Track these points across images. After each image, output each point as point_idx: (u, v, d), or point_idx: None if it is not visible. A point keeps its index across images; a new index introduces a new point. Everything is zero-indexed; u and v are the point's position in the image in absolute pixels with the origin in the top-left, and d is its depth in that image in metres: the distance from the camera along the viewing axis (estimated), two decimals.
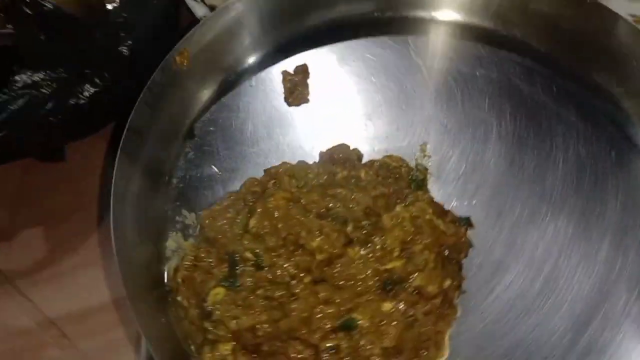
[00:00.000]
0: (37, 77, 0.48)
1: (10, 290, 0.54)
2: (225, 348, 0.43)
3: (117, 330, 0.52)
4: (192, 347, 0.45)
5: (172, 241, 0.50)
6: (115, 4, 0.52)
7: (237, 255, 0.46)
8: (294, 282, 0.44)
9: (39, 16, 0.48)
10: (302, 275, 0.44)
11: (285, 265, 0.44)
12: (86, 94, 0.49)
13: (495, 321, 0.46)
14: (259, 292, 0.44)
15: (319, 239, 0.45)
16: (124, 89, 0.51)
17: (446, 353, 0.45)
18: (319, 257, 0.44)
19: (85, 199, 0.56)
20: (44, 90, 0.48)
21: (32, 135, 0.49)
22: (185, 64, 0.51)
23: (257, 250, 0.45)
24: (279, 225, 0.46)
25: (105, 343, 0.52)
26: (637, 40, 0.51)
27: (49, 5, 0.48)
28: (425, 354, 0.44)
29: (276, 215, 0.46)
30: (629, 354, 0.46)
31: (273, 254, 0.45)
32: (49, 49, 0.49)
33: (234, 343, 0.43)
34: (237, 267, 0.45)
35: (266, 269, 0.45)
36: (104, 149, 0.56)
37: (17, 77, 0.48)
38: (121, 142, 0.47)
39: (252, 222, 0.46)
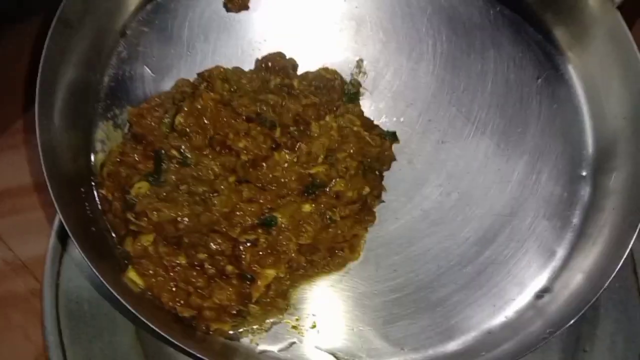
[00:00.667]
0: None
1: None
2: (147, 239, 0.45)
3: (34, 212, 0.53)
4: (115, 238, 0.47)
5: (102, 132, 0.50)
6: None
7: (162, 152, 0.46)
8: (217, 180, 0.45)
9: None
10: (226, 174, 0.45)
11: (210, 164, 0.45)
12: None
13: (410, 228, 0.49)
14: (183, 187, 0.45)
15: (245, 140, 0.46)
16: None
17: (360, 255, 0.48)
18: (244, 157, 0.45)
19: (12, 84, 0.55)
20: None
21: None
22: None
23: (183, 147, 0.46)
24: (206, 125, 0.46)
25: (22, 223, 0.54)
26: None
27: None
28: (340, 254, 0.47)
29: (204, 115, 0.46)
30: (528, 269, 0.49)
31: (198, 152, 0.46)
32: None
33: (155, 235, 0.45)
34: (162, 164, 0.46)
35: (191, 166, 0.46)
36: (33, 35, 0.55)
37: None
38: (49, 32, 0.46)
39: (179, 119, 0.46)
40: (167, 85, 0.51)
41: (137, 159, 0.47)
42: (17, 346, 0.50)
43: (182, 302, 0.44)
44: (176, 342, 0.42)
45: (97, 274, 0.43)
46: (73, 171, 0.48)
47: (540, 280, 0.49)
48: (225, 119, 0.47)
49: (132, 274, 0.45)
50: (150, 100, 0.50)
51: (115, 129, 0.50)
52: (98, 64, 0.51)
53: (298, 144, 0.47)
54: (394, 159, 0.51)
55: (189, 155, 0.46)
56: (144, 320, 0.42)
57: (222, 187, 0.45)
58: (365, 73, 0.53)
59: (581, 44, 0.53)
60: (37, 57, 0.48)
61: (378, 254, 0.48)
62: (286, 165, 0.46)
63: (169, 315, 0.45)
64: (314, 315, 0.47)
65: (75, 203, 0.47)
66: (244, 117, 0.47)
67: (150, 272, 0.44)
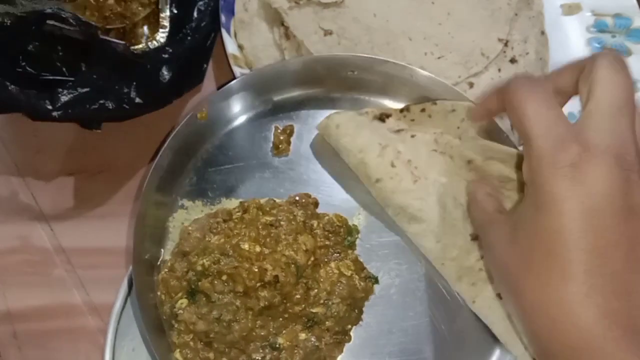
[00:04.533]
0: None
1: (42, 221, 0.71)
2: (189, 336, 0.61)
3: (111, 270, 0.67)
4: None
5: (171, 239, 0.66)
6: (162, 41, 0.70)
7: (193, 284, 0.60)
8: (239, 312, 0.60)
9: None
10: (247, 310, 0.60)
11: (235, 302, 0.60)
12: (131, 102, 0.65)
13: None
14: (214, 313, 0.60)
15: (266, 291, 0.60)
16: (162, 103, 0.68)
17: None
18: (261, 304, 0.60)
19: (125, 160, 0.73)
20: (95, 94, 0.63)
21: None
22: (204, 119, 0.68)
23: (208, 286, 0.59)
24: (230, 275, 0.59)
25: (99, 277, 0.68)
26: None
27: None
28: None
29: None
30: None
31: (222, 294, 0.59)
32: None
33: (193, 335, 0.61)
34: (194, 294, 0.61)
35: (217, 302, 0.59)
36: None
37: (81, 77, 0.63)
38: (148, 177, 0.64)
39: (204, 263, 0.60)
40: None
41: (183, 272, 0.61)
42: None
43: None
44: None
45: (152, 347, 0.61)
46: (155, 257, 0.64)
47: None
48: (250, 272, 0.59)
49: (177, 355, 0.61)
50: (198, 220, 0.65)
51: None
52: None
53: (308, 290, 0.61)
54: (373, 293, 0.66)
55: (215, 296, 0.59)
56: None
57: (242, 319, 0.60)
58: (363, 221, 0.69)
59: None
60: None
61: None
62: (298, 305, 0.61)
63: None
64: None
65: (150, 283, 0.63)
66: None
67: (189, 356, 0.61)
